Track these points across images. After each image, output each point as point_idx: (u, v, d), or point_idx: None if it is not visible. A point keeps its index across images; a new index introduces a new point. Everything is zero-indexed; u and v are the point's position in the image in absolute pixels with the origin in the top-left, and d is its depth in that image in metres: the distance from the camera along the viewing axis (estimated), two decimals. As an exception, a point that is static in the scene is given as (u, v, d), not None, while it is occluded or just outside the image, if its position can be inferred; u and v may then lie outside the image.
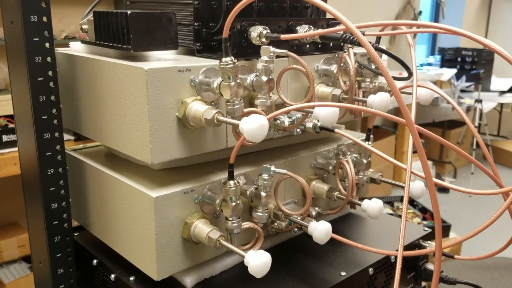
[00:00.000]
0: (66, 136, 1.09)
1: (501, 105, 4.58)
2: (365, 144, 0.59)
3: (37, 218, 0.67)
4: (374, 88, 0.70)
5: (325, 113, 0.54)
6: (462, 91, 4.06)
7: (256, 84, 0.58)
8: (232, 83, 0.53)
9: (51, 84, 0.63)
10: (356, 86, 0.70)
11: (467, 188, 0.59)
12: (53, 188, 0.65)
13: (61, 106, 0.65)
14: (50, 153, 0.64)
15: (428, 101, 0.66)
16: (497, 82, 4.32)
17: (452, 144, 0.58)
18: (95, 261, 0.70)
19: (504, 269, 1.75)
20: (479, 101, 3.83)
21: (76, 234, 0.77)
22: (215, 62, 0.58)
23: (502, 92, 4.18)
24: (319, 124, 0.63)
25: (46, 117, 0.63)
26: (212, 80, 0.56)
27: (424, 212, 2.83)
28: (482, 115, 3.94)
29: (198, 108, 0.55)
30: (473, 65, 4.25)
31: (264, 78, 0.57)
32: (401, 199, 3.18)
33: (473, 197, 3.53)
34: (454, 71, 4.08)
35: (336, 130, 0.60)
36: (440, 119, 3.89)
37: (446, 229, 2.54)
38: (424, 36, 4.91)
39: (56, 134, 0.64)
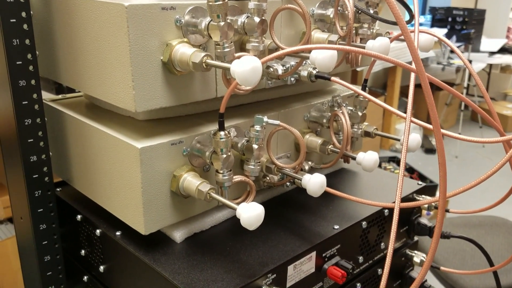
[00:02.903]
0: (48, 95, 1.04)
1: (490, 66, 4.57)
2: (363, 92, 0.56)
3: (16, 172, 0.63)
4: (372, 35, 0.67)
5: (322, 57, 0.51)
6: (452, 51, 4.03)
7: (247, 26, 0.54)
8: (222, 23, 0.49)
9: (25, 26, 0.58)
10: (353, 32, 0.66)
11: (467, 137, 0.57)
12: (31, 140, 0.61)
13: (37, 52, 0.60)
14: (26, 102, 0.60)
15: (429, 48, 0.62)
16: (487, 43, 4.29)
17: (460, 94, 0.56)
18: (79, 216, 0.67)
19: (490, 227, 1.78)
20: (468, 61, 3.81)
21: (58, 190, 0.74)
22: (202, 1, 0.53)
23: (491, 53, 4.15)
24: (314, 72, 0.59)
25: (20, 62, 0.58)
26: (199, 20, 0.52)
27: (411, 172, 2.85)
28: (471, 76, 3.92)
29: (184, 51, 0.51)
30: (463, 25, 4.19)
31: (257, 19, 0.53)
32: (388, 159, 3.19)
33: (459, 158, 3.56)
34: (444, 31, 4.02)
35: (332, 78, 0.56)
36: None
37: (433, 188, 2.56)
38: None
39: (33, 82, 0.60)
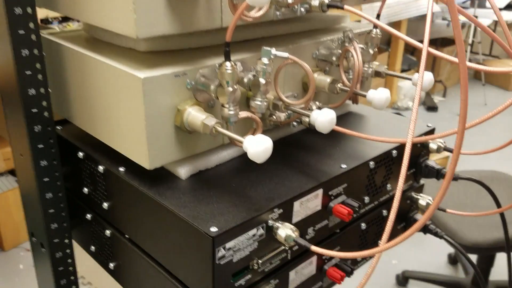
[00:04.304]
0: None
1: (495, 23, 4.46)
2: (378, 21, 0.53)
3: (14, 107, 0.61)
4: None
5: (337, -20, 0.48)
6: (458, 7, 3.92)
7: None
8: None
9: None
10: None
11: (488, 68, 0.54)
12: (30, 72, 0.59)
13: (31, -21, 0.56)
14: (23, 32, 0.57)
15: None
16: (494, -1, 4.17)
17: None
18: (81, 153, 0.66)
19: (491, 181, 1.78)
20: (474, 17, 3.71)
21: (59, 128, 0.72)
22: None
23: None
24: (326, 0, 0.56)
25: (14, -12, 0.55)
26: None
27: (413, 129, 2.84)
28: (476, 33, 3.84)
29: (190, -29, 0.48)
30: (471, -21, 4.06)
31: None
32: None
33: (461, 116, 3.53)
34: (451, -15, 3.90)
35: (346, 6, 0.53)
36: (433, 36, 3.78)
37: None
38: None
39: (29, 10, 0.56)
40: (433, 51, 0.51)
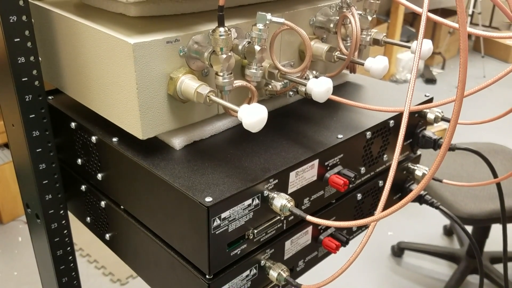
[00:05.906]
0: None
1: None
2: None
3: (4, 76, 0.60)
4: None
5: None
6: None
7: None
8: None
9: None
10: None
11: (489, 33, 0.53)
12: (18, 39, 0.57)
13: None
14: (9, -3, 0.55)
15: None
16: (497, -32, 4.08)
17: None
18: (73, 124, 0.65)
19: (488, 154, 1.78)
20: (475, -12, 3.65)
21: (50, 98, 0.70)
22: None
23: (500, -21, 3.97)
24: (323, -36, 0.54)
25: (-2, -51, 0.52)
26: None
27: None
28: (477, 3, 3.78)
29: None
30: None
31: None
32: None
33: (459, 88, 3.51)
34: (453, -46, 3.81)
35: (343, -31, 0.51)
36: (433, 6, 3.72)
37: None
38: None
39: (14, -27, 0.54)
40: (433, 16, 0.50)
